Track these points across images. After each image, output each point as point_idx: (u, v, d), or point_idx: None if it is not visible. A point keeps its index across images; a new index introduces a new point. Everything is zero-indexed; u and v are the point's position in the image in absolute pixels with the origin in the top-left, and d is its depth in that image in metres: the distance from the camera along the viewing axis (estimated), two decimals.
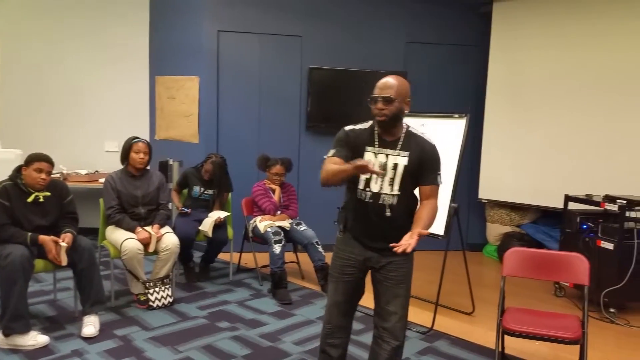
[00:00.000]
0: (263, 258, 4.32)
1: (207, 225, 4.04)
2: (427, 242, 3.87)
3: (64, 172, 5.05)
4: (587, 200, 3.95)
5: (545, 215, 5.14)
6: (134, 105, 5.51)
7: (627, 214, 3.63)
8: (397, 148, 2.17)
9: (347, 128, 2.27)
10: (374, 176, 2.17)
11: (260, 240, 4.17)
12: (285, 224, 4.18)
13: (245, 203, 4.40)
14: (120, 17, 5.39)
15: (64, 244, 3.10)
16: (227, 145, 4.96)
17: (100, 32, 5.39)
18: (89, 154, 5.42)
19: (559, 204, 4.18)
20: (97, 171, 5.24)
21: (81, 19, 5.35)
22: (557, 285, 4.21)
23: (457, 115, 3.59)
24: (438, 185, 2.20)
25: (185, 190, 4.41)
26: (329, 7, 5.02)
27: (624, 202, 3.62)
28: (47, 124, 5.40)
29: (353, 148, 2.21)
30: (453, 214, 3.46)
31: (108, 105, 5.47)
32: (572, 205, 4.07)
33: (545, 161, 4.76)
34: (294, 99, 5.02)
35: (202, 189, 4.30)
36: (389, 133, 2.19)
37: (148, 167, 3.84)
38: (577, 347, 2.54)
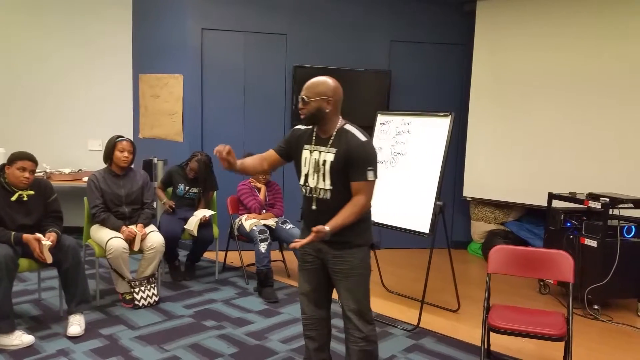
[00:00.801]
0: (249, 257, 4.33)
1: (192, 224, 4.03)
2: (413, 239, 3.94)
3: (48, 170, 4.99)
4: (571, 198, 4.01)
5: (529, 213, 5.22)
6: (118, 103, 5.46)
7: (610, 211, 3.69)
8: (328, 145, 2.26)
9: (295, 127, 2.43)
10: (311, 171, 2.31)
11: (246, 239, 4.16)
12: (271, 222, 4.18)
13: (230, 201, 4.39)
14: (102, 14, 5.34)
15: (46, 242, 3.07)
16: (212, 143, 4.92)
17: (81, 30, 5.33)
18: (72, 152, 5.37)
19: (543, 202, 4.25)
20: (80, 170, 5.19)
21: (62, 15, 5.29)
22: (541, 283, 4.27)
23: (441, 114, 3.62)
24: (367, 182, 2.21)
25: (170, 189, 4.38)
26: (313, 5, 5.03)
27: (607, 199, 3.68)
28: (29, 123, 5.33)
29: (294, 146, 2.39)
30: (439, 212, 3.49)
31: (91, 103, 5.42)
32: (556, 203, 4.14)
33: (529, 159, 4.83)
34: (279, 97, 5.02)
35: (187, 188, 4.28)
36: (322, 131, 2.30)
37: (132, 166, 3.81)
38: (562, 343, 2.58)
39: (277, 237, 4.20)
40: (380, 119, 4.01)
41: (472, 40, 5.11)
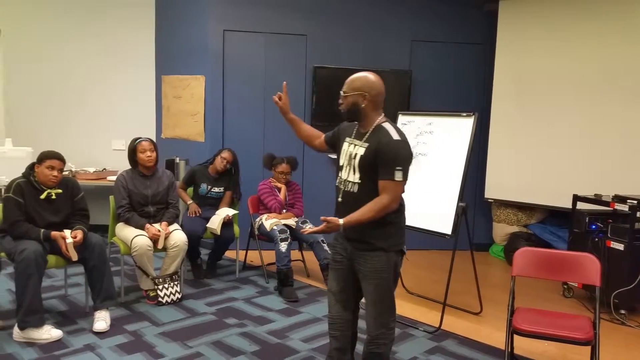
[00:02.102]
0: (268, 256, 4.36)
1: (215, 223, 4.07)
2: (433, 241, 3.92)
3: (73, 169, 5.09)
4: (597, 200, 3.95)
5: (552, 215, 5.14)
6: (141, 104, 5.55)
7: (637, 214, 3.62)
8: (363, 140, 2.28)
9: (345, 122, 2.47)
10: (345, 163, 2.34)
11: (266, 238, 4.20)
12: (291, 222, 4.21)
13: (251, 201, 4.42)
14: (126, 17, 5.43)
15: (70, 240, 3.13)
16: (232, 143, 4.98)
17: (106, 32, 5.43)
18: (96, 152, 5.47)
19: (567, 204, 4.19)
20: (105, 169, 5.28)
21: (87, 18, 5.40)
22: (565, 286, 4.21)
23: (464, 114, 3.60)
24: (394, 181, 2.18)
25: (191, 189, 4.42)
26: (334, 6, 5.05)
27: (635, 202, 3.61)
28: (56, 123, 5.45)
29: (337, 137, 2.46)
30: (461, 213, 3.47)
31: (115, 104, 5.52)
32: (581, 205, 4.07)
33: (552, 160, 4.76)
34: (299, 97, 5.05)
35: (209, 187, 4.32)
36: (361, 126, 2.33)
37: (158, 166, 3.87)
38: (587, 348, 2.55)
39: (297, 237, 4.22)
40: (402, 119, 4.00)
41: (493, 40, 5.07)
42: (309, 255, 4.42)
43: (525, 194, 4.95)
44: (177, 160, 4.78)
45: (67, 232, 3.18)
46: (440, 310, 3.51)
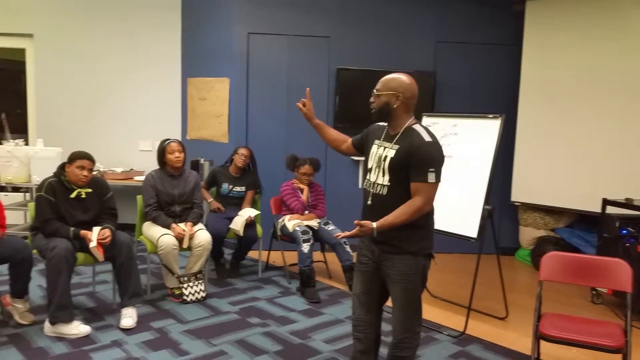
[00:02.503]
0: (290, 256, 4.38)
1: (238, 224, 4.11)
2: (457, 244, 3.87)
3: (101, 169, 5.20)
4: (628, 204, 3.84)
5: (581, 220, 5.04)
6: (167, 106, 5.65)
7: None
8: (393, 142, 2.25)
9: (379, 124, 2.43)
10: (374, 165, 2.31)
11: (289, 239, 4.22)
12: (313, 223, 4.22)
13: (273, 202, 4.45)
14: (153, 20, 5.54)
15: (93, 244, 3.19)
16: (256, 145, 5.02)
17: (133, 35, 5.55)
18: (124, 152, 5.58)
19: (596, 208, 4.09)
20: (132, 169, 5.39)
21: (115, 21, 5.52)
22: (594, 292, 4.12)
23: (491, 116, 3.56)
24: (427, 183, 2.16)
25: (214, 189, 4.48)
26: (357, 8, 5.05)
27: None
28: (85, 124, 5.58)
29: (366, 140, 2.43)
30: (487, 217, 3.42)
31: (142, 106, 5.63)
32: (610, 209, 3.98)
33: (581, 163, 4.66)
34: (322, 99, 5.06)
35: (231, 186, 4.37)
36: (391, 127, 2.30)
37: (185, 167, 3.93)
38: (617, 356, 2.49)
39: (319, 238, 4.23)
40: (426, 120, 3.97)
41: (520, 41, 5.00)
42: (331, 257, 4.43)
43: (553, 198, 4.86)
44: (202, 161, 4.85)
45: (95, 230, 3.25)
46: (465, 315, 3.47)
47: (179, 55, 5.59)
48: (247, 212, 4.19)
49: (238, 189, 4.38)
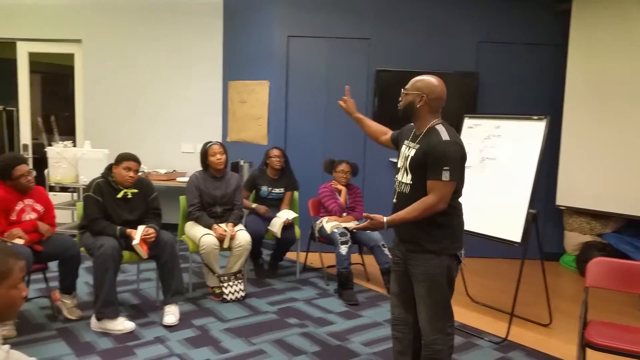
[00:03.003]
0: (328, 258, 4.39)
1: (276, 225, 4.15)
2: (498, 248, 3.79)
3: (145, 170, 5.35)
4: None
5: (629, 225, 4.83)
6: (208, 108, 5.76)
7: None
8: (416, 141, 2.30)
9: (409, 125, 2.49)
10: (401, 164, 2.37)
11: (326, 241, 4.23)
12: (352, 225, 4.21)
13: (311, 204, 4.48)
14: (196, 25, 5.66)
15: (136, 242, 3.29)
16: (295, 147, 5.07)
17: (177, 39, 5.68)
18: (167, 154, 5.72)
19: None
20: (174, 170, 5.52)
21: (160, 27, 5.67)
22: None
23: (536, 117, 3.47)
24: (441, 182, 2.17)
25: (252, 193, 4.53)
26: (398, 9, 5.02)
27: None
28: (129, 126, 5.75)
29: (400, 139, 2.49)
30: (532, 221, 3.34)
31: (184, 108, 5.76)
32: None
33: (629, 166, 4.48)
34: (361, 101, 5.02)
35: (270, 189, 4.41)
36: (417, 128, 2.35)
37: (227, 169, 4.01)
38: None
39: (357, 240, 4.22)
40: (468, 122, 3.91)
41: (565, 41, 4.85)
42: (369, 260, 4.42)
43: (599, 202, 4.69)
44: (242, 162, 4.92)
45: (140, 228, 3.35)
46: (506, 321, 3.40)
47: (220, 59, 5.70)
48: (286, 214, 4.23)
49: (277, 190, 4.43)
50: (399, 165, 2.39)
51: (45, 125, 6.27)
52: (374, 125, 2.69)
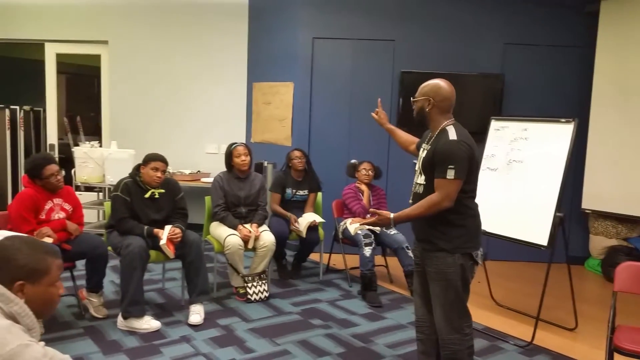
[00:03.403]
0: (351, 260, 4.39)
1: (301, 226, 4.16)
2: (522, 252, 3.75)
3: (170, 171, 5.41)
4: None
5: None
6: (232, 110, 5.79)
7: None
8: (429, 143, 2.38)
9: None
10: (418, 166, 2.44)
11: (350, 242, 4.23)
12: (357, 225, 4.20)
13: (335, 205, 4.48)
14: (221, 26, 5.70)
15: (163, 242, 3.33)
16: (318, 148, 5.08)
17: (202, 41, 5.73)
18: (191, 155, 5.77)
19: None
20: (199, 171, 5.57)
21: (185, 28, 5.73)
22: None
23: (563, 120, 3.43)
24: (446, 180, 2.23)
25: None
26: (423, 10, 5.00)
27: None
28: (154, 127, 5.82)
29: (420, 144, 2.58)
30: (558, 224, 3.30)
31: (208, 109, 5.80)
32: None
33: None
34: (385, 102, 4.96)
35: (294, 191, 4.43)
36: (432, 130, 2.42)
37: (251, 170, 4.03)
38: None
39: (380, 242, 4.22)
40: (495, 124, 3.88)
41: (591, 42, 4.78)
42: (392, 262, 4.41)
43: (626, 206, 4.61)
44: (266, 164, 4.95)
45: (167, 228, 3.39)
46: (530, 324, 3.37)
47: (245, 61, 5.73)
48: (311, 217, 4.24)
49: (301, 192, 4.44)
50: (415, 168, 2.48)
51: (70, 126, 6.39)
52: (404, 136, 2.81)
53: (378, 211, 2.35)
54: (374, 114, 2.85)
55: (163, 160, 3.43)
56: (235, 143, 3.98)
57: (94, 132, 6.97)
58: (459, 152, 2.23)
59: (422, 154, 2.40)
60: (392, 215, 2.35)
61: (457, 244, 2.30)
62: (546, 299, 3.47)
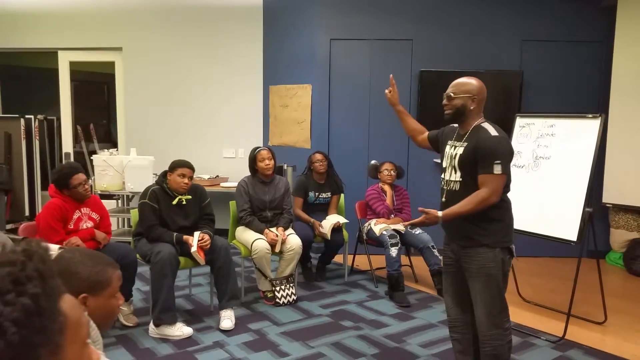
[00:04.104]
0: (375, 260, 4.40)
1: (326, 227, 4.16)
2: (546, 247, 3.73)
3: None
4: None
5: None
6: (249, 114, 5.78)
7: None
8: (462, 140, 2.37)
9: (448, 126, 2.56)
10: (447, 164, 2.42)
11: (375, 243, 4.23)
12: (400, 227, 4.21)
13: (359, 206, 4.48)
14: (236, 30, 5.68)
15: (194, 249, 3.33)
16: (338, 149, 5.08)
17: (217, 44, 5.71)
18: (209, 160, 5.75)
19: None
20: (217, 176, 5.56)
21: (199, 32, 5.71)
22: None
23: (590, 116, 3.43)
24: (493, 175, 2.24)
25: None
26: (440, 8, 5.00)
27: None
28: (170, 132, 5.80)
29: (441, 140, 2.55)
30: (588, 219, 3.30)
31: (225, 115, 5.78)
32: None
33: None
34: (404, 102, 4.94)
35: (317, 194, 4.43)
36: (462, 127, 2.41)
37: (275, 174, 4.03)
38: None
39: (405, 242, 4.22)
40: (520, 121, 3.87)
41: (609, 37, 4.77)
42: (417, 262, 4.41)
43: None
44: (285, 167, 4.95)
45: (196, 235, 3.40)
46: (559, 319, 3.38)
47: (260, 64, 5.71)
48: (335, 218, 4.24)
49: (324, 195, 4.44)
50: (444, 165, 2.45)
51: (84, 134, 6.40)
52: (414, 123, 2.76)
53: (426, 209, 2.34)
54: (387, 92, 2.73)
55: (190, 167, 3.43)
56: (259, 147, 3.99)
57: (106, 140, 6.99)
58: (503, 147, 2.27)
59: (455, 150, 2.39)
60: (440, 213, 2.34)
61: (497, 239, 2.33)
62: (569, 293, 3.48)
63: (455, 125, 2.47)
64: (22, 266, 0.70)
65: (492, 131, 2.30)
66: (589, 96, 5.05)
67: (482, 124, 2.34)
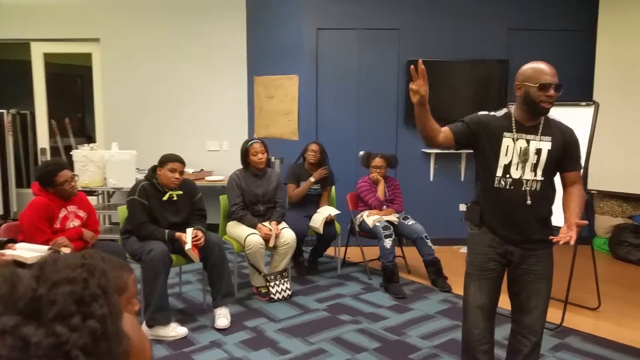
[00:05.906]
0: (368, 252, 4.36)
1: (318, 222, 4.10)
2: None
3: None
4: None
5: None
6: (233, 105, 5.64)
7: None
8: (538, 133, 2.15)
9: (481, 113, 2.27)
10: (514, 162, 2.15)
11: (368, 235, 4.19)
12: (393, 218, 4.18)
13: (350, 198, 4.43)
14: (217, 19, 5.53)
15: (188, 247, 3.23)
16: (327, 141, 4.96)
17: (198, 35, 5.56)
18: (192, 153, 5.53)
19: None
20: (202, 170, 5.42)
21: (179, 23, 5.54)
22: None
23: (584, 104, 3.45)
24: (580, 170, 2.20)
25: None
26: None
27: None
28: (152, 126, 5.63)
29: (484, 133, 2.19)
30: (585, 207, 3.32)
31: (208, 106, 5.64)
32: None
33: None
34: (392, 93, 5.00)
35: None
36: (528, 119, 2.17)
37: (267, 167, 3.95)
38: None
39: (398, 233, 4.19)
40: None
41: (594, 26, 4.82)
42: (410, 252, 4.39)
43: (630, 184, 4.69)
44: (273, 159, 4.85)
45: (189, 232, 3.29)
46: (556, 307, 3.39)
47: (244, 54, 5.58)
48: (327, 211, 4.18)
49: (315, 186, 4.37)
50: (507, 162, 2.15)
51: (59, 128, 6.16)
52: (435, 123, 2.20)
53: (576, 221, 2.03)
54: (414, 85, 2.09)
55: (180, 161, 3.31)
56: (252, 140, 3.88)
57: (82, 134, 6.74)
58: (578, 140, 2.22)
59: (535, 145, 2.12)
60: (577, 220, 2.07)
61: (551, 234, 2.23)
62: (563, 280, 3.50)
63: (498, 113, 2.19)
64: (85, 284, 0.61)
65: (564, 123, 2.19)
66: (574, 84, 5.06)
67: (549, 115, 2.18)
